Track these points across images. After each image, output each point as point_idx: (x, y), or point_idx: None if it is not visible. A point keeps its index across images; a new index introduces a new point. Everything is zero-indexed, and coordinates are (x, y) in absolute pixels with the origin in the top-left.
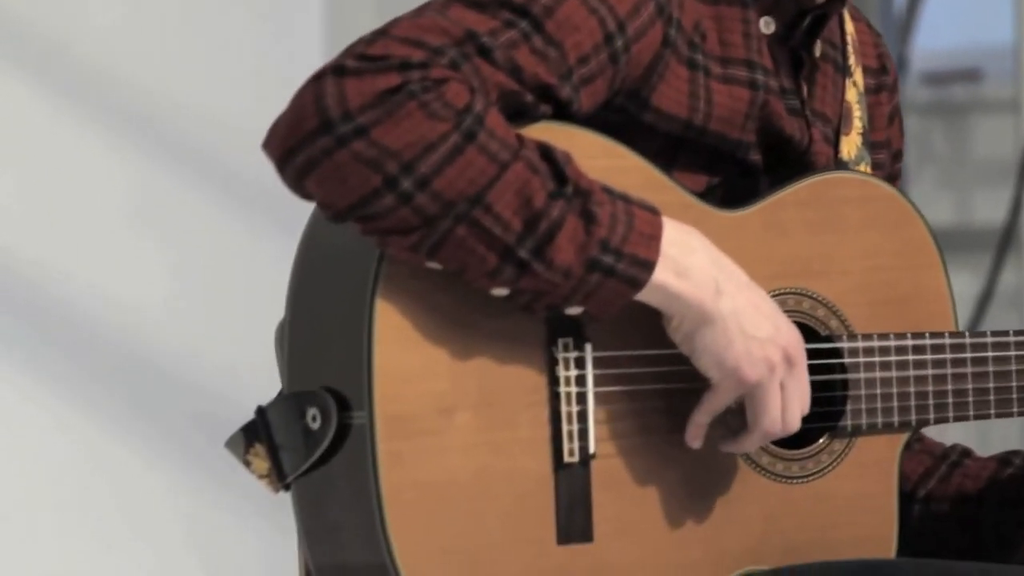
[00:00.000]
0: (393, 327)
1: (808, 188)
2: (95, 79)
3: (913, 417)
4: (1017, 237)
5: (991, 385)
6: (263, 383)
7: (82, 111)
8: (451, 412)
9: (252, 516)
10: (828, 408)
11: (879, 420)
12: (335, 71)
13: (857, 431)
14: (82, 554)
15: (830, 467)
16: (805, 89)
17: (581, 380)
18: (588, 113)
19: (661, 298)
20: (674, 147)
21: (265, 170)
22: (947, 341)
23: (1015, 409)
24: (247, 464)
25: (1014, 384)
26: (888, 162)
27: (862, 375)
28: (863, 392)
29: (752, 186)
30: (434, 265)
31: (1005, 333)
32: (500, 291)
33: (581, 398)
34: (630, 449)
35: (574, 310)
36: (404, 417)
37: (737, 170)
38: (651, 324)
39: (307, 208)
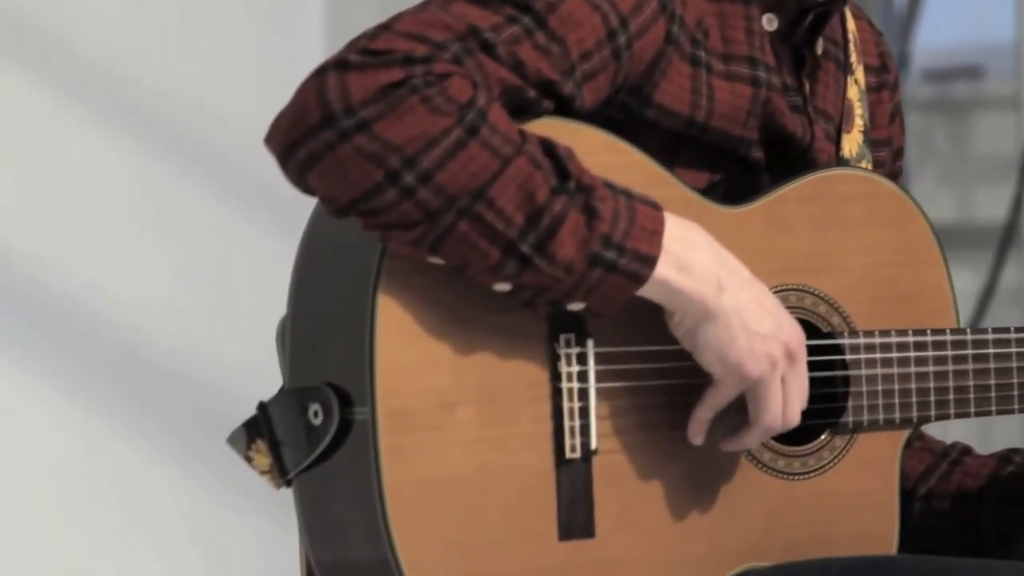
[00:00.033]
0: (395, 322)
1: (810, 184)
2: (96, 76)
3: (914, 414)
4: (1018, 234)
5: (992, 382)
6: (264, 380)
7: (83, 108)
8: (453, 407)
9: (253, 512)
10: (829, 404)
11: (880, 416)
12: (338, 65)
13: (858, 427)
14: (83, 551)
15: (831, 463)
16: (807, 86)
17: (583, 376)
18: (590, 109)
19: (663, 293)
20: (676, 144)
21: (267, 167)
22: (948, 338)
23: (1016, 406)
24: (249, 460)
25: (1015, 381)
26: (889, 160)
27: (863, 371)
28: (864, 388)
29: (754, 183)
30: (436, 260)
31: (1006, 330)
32: (502, 286)
33: (583, 394)
34: (632, 445)
35: (576, 306)
36: (406, 412)
37: (739, 167)
38: (653, 320)
39: (308, 206)
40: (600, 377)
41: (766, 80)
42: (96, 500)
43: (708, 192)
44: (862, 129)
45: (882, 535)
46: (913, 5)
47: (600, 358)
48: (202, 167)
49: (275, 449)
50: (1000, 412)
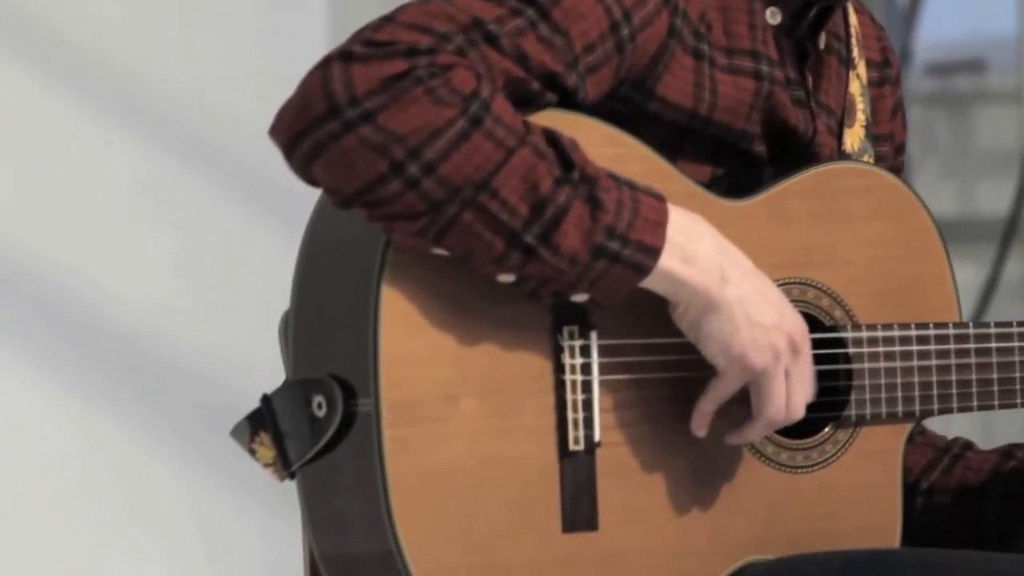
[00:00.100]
0: (399, 313)
1: (812, 178)
2: (97, 74)
3: (917, 407)
4: (1020, 228)
5: (995, 376)
6: (267, 374)
7: (85, 106)
8: (456, 399)
9: (257, 506)
10: (832, 398)
11: (883, 410)
12: (342, 57)
13: (861, 421)
14: (86, 546)
15: (834, 457)
16: (810, 81)
17: (586, 368)
18: (594, 102)
19: (667, 284)
20: (679, 137)
21: (269, 163)
22: (951, 332)
23: (1018, 400)
24: (252, 452)
25: (1017, 375)
26: (891, 155)
27: (866, 365)
28: (867, 382)
29: (756, 177)
30: (440, 251)
31: (1009, 324)
32: (506, 277)
33: (586, 386)
34: (635, 437)
35: (580, 297)
36: (409, 403)
37: (741, 161)
38: (657, 312)
39: (310, 202)
40: (603, 369)
41: (769, 74)
42: (99, 494)
43: (710, 185)
44: (864, 124)
45: (885, 529)
46: None
47: (603, 350)
48: (204, 163)
49: (279, 441)
50: (1003, 406)
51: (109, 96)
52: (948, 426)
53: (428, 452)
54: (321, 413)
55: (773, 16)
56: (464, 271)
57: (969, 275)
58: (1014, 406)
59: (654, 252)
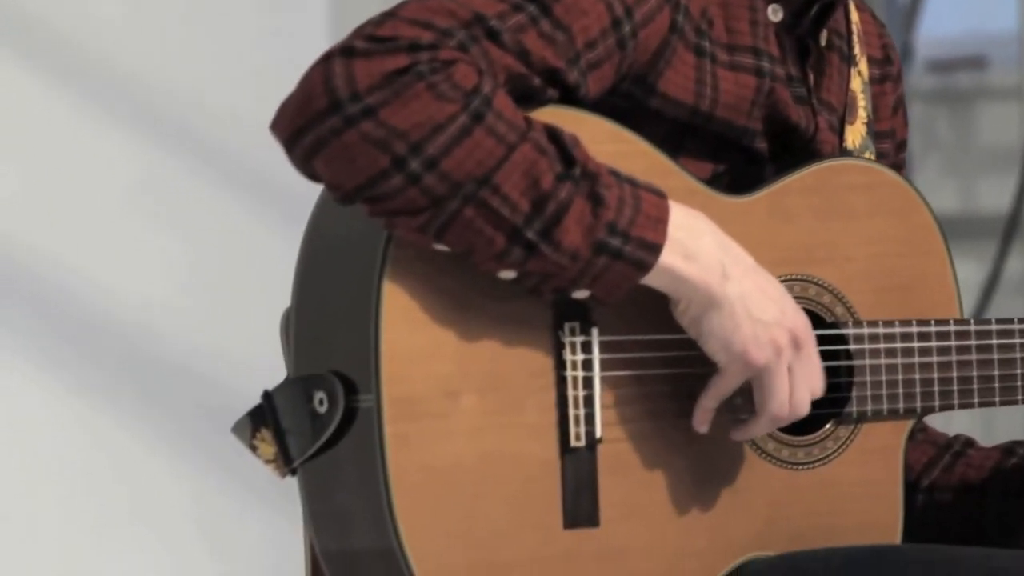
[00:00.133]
0: (400, 308)
1: (813, 175)
2: (98, 73)
3: (918, 404)
4: (1022, 224)
5: (996, 373)
6: (269, 370)
7: (86, 105)
8: (457, 395)
9: (258, 502)
10: (834, 395)
11: (884, 407)
12: (344, 52)
13: (862, 417)
14: (87, 543)
15: (835, 454)
16: (811, 77)
17: (588, 364)
18: (595, 98)
19: (668, 281)
20: (680, 133)
21: (269, 162)
22: (952, 328)
23: (1020, 396)
24: (253, 449)
25: (1019, 372)
26: (892, 152)
27: (867, 362)
28: (868, 379)
29: (757, 174)
30: (442, 247)
31: (1010, 321)
32: (507, 274)
33: (587, 382)
34: (637, 434)
35: (581, 293)
36: (411, 399)
37: (743, 157)
38: (658, 309)
39: (310, 201)
40: (605, 365)
41: (770, 71)
42: (100, 492)
43: (712, 182)
44: (865, 121)
45: (886, 525)
46: None
47: (605, 346)
48: (204, 162)
49: (280, 438)
50: (1004, 403)
51: (109, 96)
52: (949, 423)
53: (429, 448)
54: (322, 409)
55: (775, 13)
56: (465, 267)
57: (970, 272)
58: (1015, 403)
59: (655, 249)
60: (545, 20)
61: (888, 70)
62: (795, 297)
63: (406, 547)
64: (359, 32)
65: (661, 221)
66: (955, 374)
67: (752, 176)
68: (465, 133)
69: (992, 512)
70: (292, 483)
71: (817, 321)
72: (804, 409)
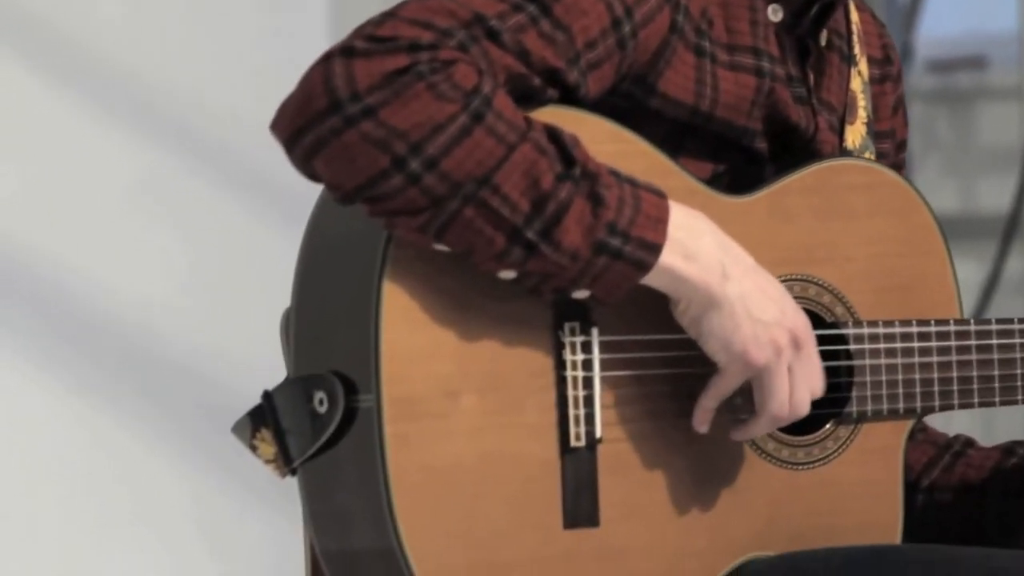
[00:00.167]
0: (400, 308)
1: (813, 175)
2: (98, 72)
3: (918, 404)
4: (1022, 224)
5: (996, 373)
6: (269, 371)
7: (86, 105)
8: (457, 395)
9: (258, 502)
10: (834, 394)
11: (884, 407)
12: (344, 52)
13: (862, 417)
14: (87, 543)
15: (835, 454)
16: (811, 77)
17: (588, 364)
18: (595, 98)
19: (668, 281)
20: (680, 133)
21: (271, 162)
22: (952, 328)
23: (1020, 396)
24: (253, 449)
25: (1019, 372)
26: (892, 152)
27: (867, 362)
28: (868, 379)
29: (757, 174)
30: (442, 247)
31: (1010, 321)
32: (507, 274)
33: (587, 382)
34: (637, 434)
35: (581, 293)
36: (410, 399)
37: (743, 158)
38: (658, 309)
39: (310, 200)
40: (605, 366)
41: (770, 71)
42: (101, 492)
43: (712, 182)
44: (865, 121)
45: (886, 525)
46: None
47: (605, 346)
48: (204, 162)
49: (280, 438)
50: (1004, 403)
51: (109, 96)
52: (949, 423)
53: (429, 448)
54: (322, 409)
55: (775, 13)
56: (465, 267)
57: (970, 272)
58: (1015, 403)
59: (655, 249)
60: (545, 20)
61: (888, 70)
62: (795, 297)
63: (406, 547)
64: (359, 32)
65: (661, 221)
66: (955, 374)
67: (752, 176)
68: (465, 133)
69: (992, 512)
70: (292, 483)
71: (817, 321)
72: (804, 409)
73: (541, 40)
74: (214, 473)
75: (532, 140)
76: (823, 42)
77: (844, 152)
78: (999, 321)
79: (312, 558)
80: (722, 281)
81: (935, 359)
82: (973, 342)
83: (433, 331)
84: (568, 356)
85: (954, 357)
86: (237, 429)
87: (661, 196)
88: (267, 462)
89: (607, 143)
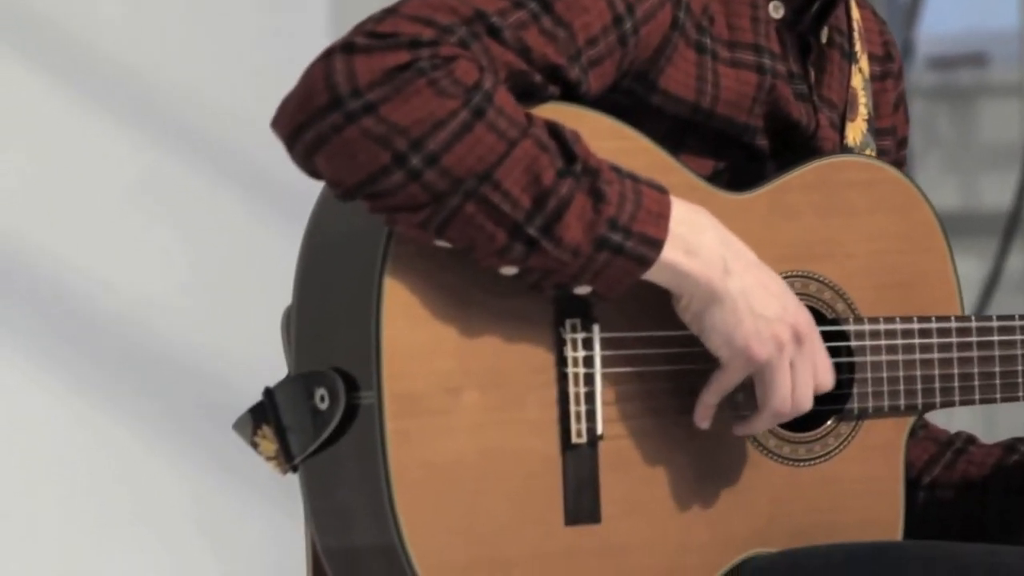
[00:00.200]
0: (401, 305)
1: (814, 171)
2: (99, 71)
3: (919, 401)
4: (1023, 221)
5: (997, 369)
6: (270, 368)
7: (86, 104)
8: (458, 391)
9: (260, 499)
10: (835, 391)
11: (885, 403)
12: (344, 48)
13: (864, 414)
14: (88, 542)
15: (837, 450)
16: (812, 75)
17: (589, 361)
18: (596, 95)
19: (669, 277)
20: (681, 130)
21: (271, 160)
22: (953, 325)
23: (1021, 393)
24: (255, 446)
25: (1020, 368)
26: (893, 149)
27: (868, 358)
28: (869, 375)
29: (758, 171)
30: (443, 243)
31: (1011, 317)
32: (508, 270)
33: (589, 379)
34: (638, 430)
35: (582, 289)
36: (412, 395)
37: (744, 154)
38: (659, 305)
39: (311, 199)
40: (606, 362)
41: (771, 68)
42: (101, 491)
43: (712, 179)
44: (866, 118)
45: (887, 522)
46: None
47: (606, 343)
48: (204, 161)
49: (281, 434)
50: (1005, 399)
51: (110, 95)
52: (950, 420)
53: (430, 444)
54: (324, 406)
55: (776, 10)
56: (466, 263)
57: (971, 269)
58: (1016, 399)
59: (657, 244)
60: (546, 17)
61: (889, 67)
62: (796, 294)
63: (407, 543)
64: (360, 28)
65: (662, 216)
66: (956, 371)
67: (753, 173)
68: (466, 129)
69: (993, 509)
70: (293, 480)
71: (818, 318)
72: (806, 405)
73: (542, 37)
74: (214, 472)
75: (533, 136)
76: (824, 39)
77: (845, 149)
78: (1000, 318)
79: (313, 555)
80: (724, 276)
81: (936, 355)
82: (974, 338)
83: (434, 327)
84: (569, 352)
85: (955, 354)
86: (238, 426)
87: (662, 192)
88: (268, 459)
89: (608, 140)
